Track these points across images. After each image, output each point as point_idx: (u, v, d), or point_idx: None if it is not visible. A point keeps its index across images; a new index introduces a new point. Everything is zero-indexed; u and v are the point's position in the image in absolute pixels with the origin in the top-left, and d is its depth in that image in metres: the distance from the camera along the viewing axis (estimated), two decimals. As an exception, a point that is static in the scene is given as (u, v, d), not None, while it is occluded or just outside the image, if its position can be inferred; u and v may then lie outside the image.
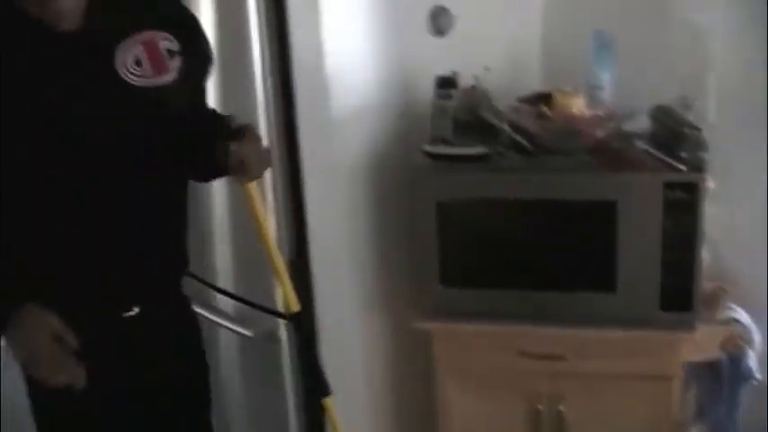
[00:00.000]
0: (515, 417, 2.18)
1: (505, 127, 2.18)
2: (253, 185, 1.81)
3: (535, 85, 2.36)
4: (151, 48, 1.71)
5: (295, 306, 1.97)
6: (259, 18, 2.22)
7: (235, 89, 2.27)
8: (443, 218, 2.12)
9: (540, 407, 2.17)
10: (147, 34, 1.72)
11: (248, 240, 2.53)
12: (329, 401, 1.94)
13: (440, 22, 2.34)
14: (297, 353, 2.49)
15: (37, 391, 1.77)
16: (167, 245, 1.89)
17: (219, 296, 2.69)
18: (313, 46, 2.15)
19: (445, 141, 2.18)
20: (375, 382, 2.42)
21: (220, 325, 2.70)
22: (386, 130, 2.27)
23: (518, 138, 2.15)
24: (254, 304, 2.56)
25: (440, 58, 2.29)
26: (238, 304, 2.62)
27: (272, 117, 2.29)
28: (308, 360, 2.11)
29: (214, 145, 1.75)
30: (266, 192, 2.27)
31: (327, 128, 2.19)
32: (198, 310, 2.71)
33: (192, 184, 1.91)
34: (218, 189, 2.59)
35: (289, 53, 2.22)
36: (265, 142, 1.96)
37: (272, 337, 2.51)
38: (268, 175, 2.16)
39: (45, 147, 1.65)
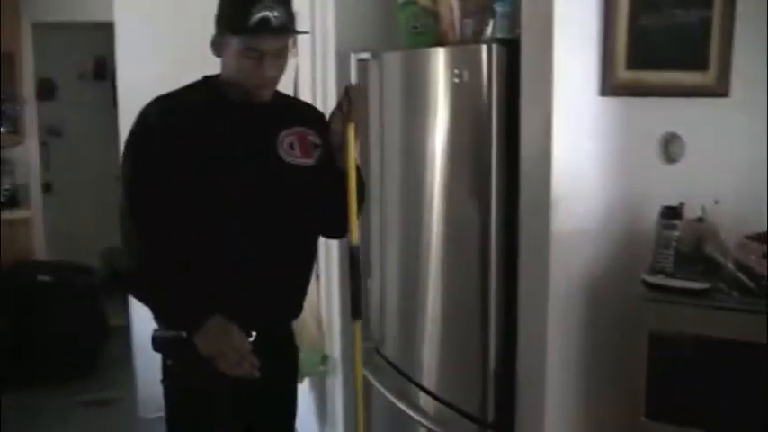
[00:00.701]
0: None
1: (730, 264, 2.11)
2: (352, 129, 2.30)
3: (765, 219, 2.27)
4: (302, 138, 2.36)
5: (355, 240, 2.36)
6: (497, 123, 2.34)
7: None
8: (655, 349, 2.07)
9: None
10: (301, 129, 2.37)
11: (458, 344, 2.60)
12: None
13: (671, 148, 2.32)
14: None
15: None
16: (293, 288, 2.44)
17: (422, 394, 2.76)
18: (542, 162, 2.20)
19: (665, 272, 2.14)
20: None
21: (420, 423, 2.75)
22: (605, 255, 2.26)
23: (742, 276, 2.07)
24: (455, 407, 2.60)
25: (667, 185, 2.26)
26: (439, 404, 2.67)
27: (495, 224, 2.37)
28: None
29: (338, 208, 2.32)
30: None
31: (548, 244, 2.21)
32: (399, 405, 2.80)
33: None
34: (434, 287, 2.68)
35: (517, 163, 2.32)
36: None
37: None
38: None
39: (215, 194, 2.22)
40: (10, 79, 5.81)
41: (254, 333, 2.25)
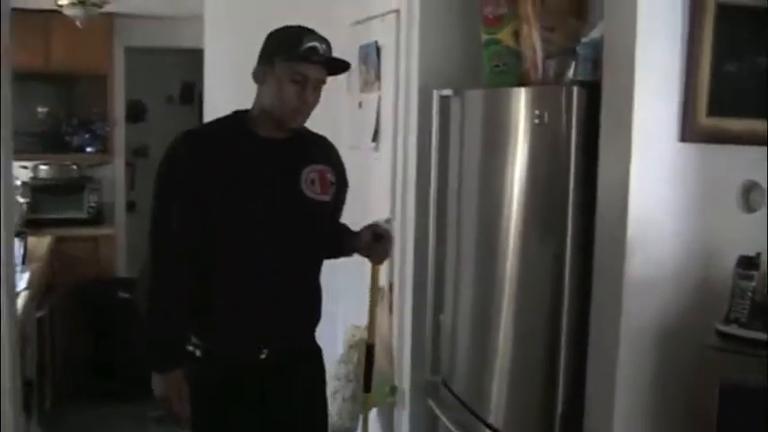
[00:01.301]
0: None
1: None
2: (378, 267, 2.76)
3: None
4: (322, 176, 2.57)
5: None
6: (575, 165, 2.36)
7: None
8: (726, 400, 2.04)
9: None
10: (322, 167, 2.58)
11: (527, 384, 2.60)
12: None
13: (751, 197, 2.29)
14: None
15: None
16: (305, 302, 2.62)
17: (488, 431, 2.76)
18: (619, 206, 2.20)
19: (739, 322, 2.12)
20: None
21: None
22: (679, 303, 2.24)
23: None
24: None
25: (745, 234, 2.24)
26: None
27: (569, 266, 2.38)
28: None
29: (342, 238, 2.71)
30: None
31: (621, 289, 2.21)
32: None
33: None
34: (505, 326, 2.68)
35: (594, 206, 2.33)
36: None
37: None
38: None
39: (240, 223, 2.47)
40: (101, 100, 6.02)
41: (265, 350, 2.52)
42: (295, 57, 2.38)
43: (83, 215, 5.84)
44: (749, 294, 2.13)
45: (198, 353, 2.50)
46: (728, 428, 2.05)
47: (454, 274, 3.11)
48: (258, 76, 2.48)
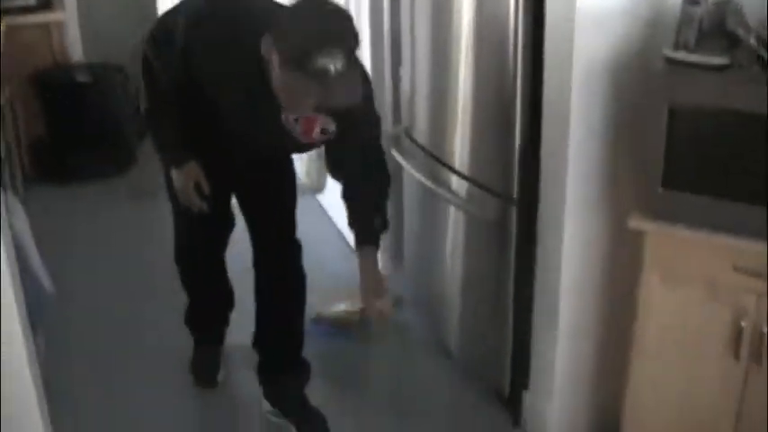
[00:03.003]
0: (714, 327, 2.20)
1: (752, 40, 2.15)
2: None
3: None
4: (309, 122, 2.36)
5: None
6: None
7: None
8: (674, 123, 2.15)
9: (743, 324, 2.17)
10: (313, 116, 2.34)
11: (487, 129, 2.70)
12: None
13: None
14: (517, 237, 2.65)
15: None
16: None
17: (454, 177, 2.89)
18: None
19: (687, 48, 2.19)
20: (585, 273, 2.53)
21: (449, 201, 2.90)
22: (629, 34, 2.29)
23: (763, 52, 2.12)
24: (483, 186, 2.73)
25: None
26: (467, 183, 2.81)
27: (522, 3, 2.41)
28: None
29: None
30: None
31: (572, 24, 2.26)
32: (433, 187, 2.94)
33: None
34: (465, 79, 2.75)
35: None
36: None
37: (499, 221, 2.68)
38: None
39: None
40: None
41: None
42: (302, 72, 2.05)
43: (31, 1, 5.67)
44: (696, 21, 2.20)
45: None
46: (675, 148, 2.17)
47: (410, 23, 3.14)
48: (266, 49, 2.17)
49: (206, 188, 2.63)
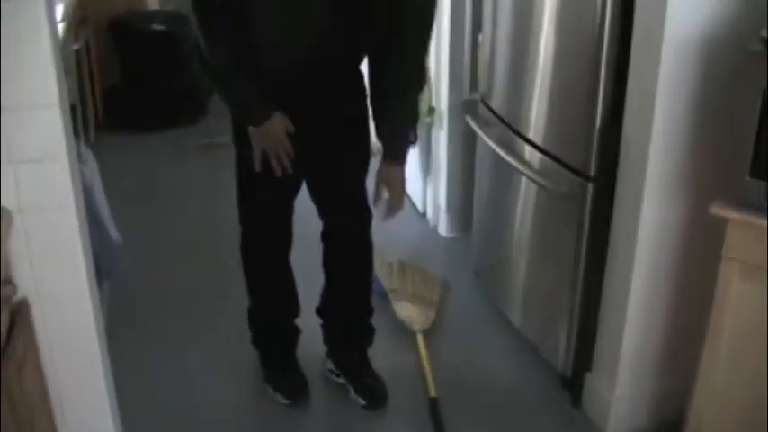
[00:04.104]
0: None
1: None
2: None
3: None
4: None
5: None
6: None
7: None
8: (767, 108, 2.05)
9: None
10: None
11: (567, 101, 2.61)
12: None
13: None
14: (591, 215, 2.58)
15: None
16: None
17: (528, 148, 2.81)
18: None
19: (786, 28, 2.08)
20: (659, 258, 2.45)
21: (523, 173, 2.83)
22: (725, 11, 2.18)
23: None
24: (559, 160, 2.66)
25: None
26: (544, 159, 2.73)
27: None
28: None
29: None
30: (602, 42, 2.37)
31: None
32: (507, 157, 2.87)
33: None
34: (546, 48, 2.66)
35: None
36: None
37: (572, 197, 2.61)
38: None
39: None
40: None
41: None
42: None
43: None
44: (799, 1, 2.08)
45: None
46: (766, 132, 2.07)
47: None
48: None
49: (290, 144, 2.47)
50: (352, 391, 2.91)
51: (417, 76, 2.61)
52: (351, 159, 2.67)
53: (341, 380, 2.95)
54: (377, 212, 2.66)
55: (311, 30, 2.37)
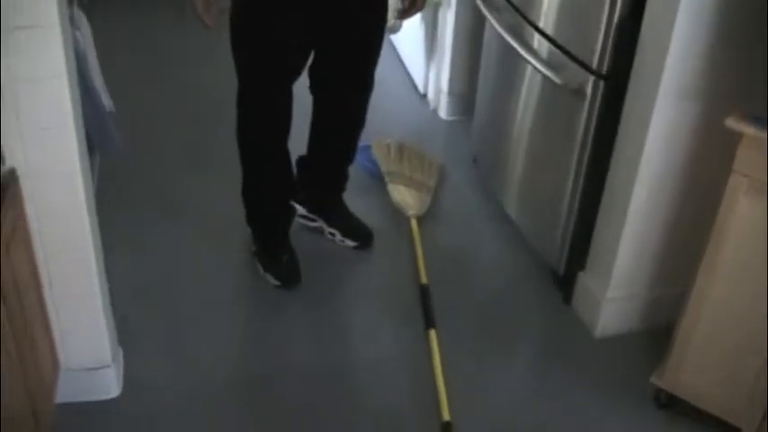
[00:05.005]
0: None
1: None
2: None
3: None
4: None
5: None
6: None
7: None
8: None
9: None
10: None
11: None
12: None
13: None
14: (600, 113, 2.50)
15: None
16: None
17: (537, 36, 2.71)
18: None
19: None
20: (665, 166, 2.40)
21: (530, 63, 2.73)
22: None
23: None
24: (571, 54, 2.56)
25: None
26: (554, 50, 2.64)
27: None
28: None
29: None
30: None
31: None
32: (514, 44, 2.77)
33: None
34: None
35: None
36: None
37: (580, 92, 2.52)
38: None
39: None
40: None
41: None
42: None
43: None
44: None
45: None
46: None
47: None
48: None
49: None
50: (338, 234, 2.99)
51: None
52: (367, 20, 2.63)
53: (316, 223, 3.02)
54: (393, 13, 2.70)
55: None
